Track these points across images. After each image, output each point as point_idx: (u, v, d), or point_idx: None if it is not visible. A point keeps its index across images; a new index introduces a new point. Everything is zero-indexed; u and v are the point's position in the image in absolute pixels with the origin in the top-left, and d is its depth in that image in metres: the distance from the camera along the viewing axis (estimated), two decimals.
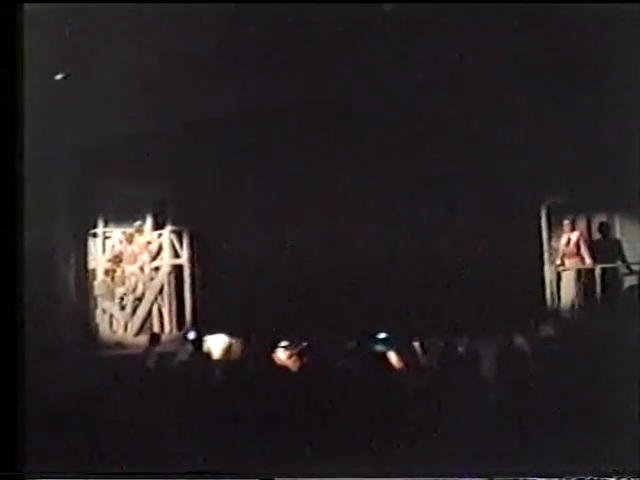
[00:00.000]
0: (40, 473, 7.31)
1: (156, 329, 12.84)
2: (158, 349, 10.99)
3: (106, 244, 13.45)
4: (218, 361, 9.89)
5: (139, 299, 13.10)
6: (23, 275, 7.50)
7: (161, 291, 13.05)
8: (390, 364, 8.75)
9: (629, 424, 7.14)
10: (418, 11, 10.54)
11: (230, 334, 10.18)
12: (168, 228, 13.15)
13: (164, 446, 7.54)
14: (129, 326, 13.05)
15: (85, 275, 13.24)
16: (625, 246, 11.37)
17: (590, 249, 11.48)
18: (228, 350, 10.01)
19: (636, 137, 9.87)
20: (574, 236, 11.50)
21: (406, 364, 8.78)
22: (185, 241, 13.04)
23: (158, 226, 13.24)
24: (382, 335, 9.37)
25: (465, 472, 6.95)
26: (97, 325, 13.16)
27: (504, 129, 10.78)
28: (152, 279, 13.13)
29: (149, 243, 13.27)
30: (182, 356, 10.14)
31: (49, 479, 7.39)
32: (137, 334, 12.85)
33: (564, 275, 11.42)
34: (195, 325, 12.22)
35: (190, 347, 10.29)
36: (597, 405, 7.23)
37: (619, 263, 11.27)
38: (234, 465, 7.21)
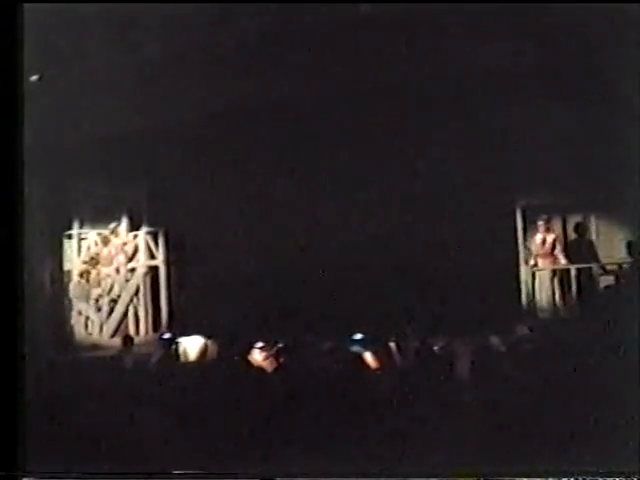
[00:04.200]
0: (40, 473, 7.29)
1: (132, 331, 12.79)
2: (134, 351, 10.97)
3: (81, 246, 13.39)
4: (194, 362, 9.88)
5: (115, 301, 13.04)
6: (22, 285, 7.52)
7: (137, 292, 13.00)
8: (366, 365, 8.76)
9: (605, 422, 7.17)
10: (395, 12, 10.57)
11: (206, 335, 10.15)
12: (144, 229, 13.11)
13: (148, 447, 7.53)
14: (105, 328, 12.98)
15: (60, 277, 13.16)
16: (600, 246, 11.41)
17: (565, 250, 11.52)
18: (204, 351, 9.99)
19: (612, 138, 9.92)
20: (549, 237, 11.53)
21: (382, 365, 8.79)
22: (161, 242, 12.99)
23: (134, 227, 13.20)
24: (358, 336, 9.38)
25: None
26: (72, 327, 13.08)
27: (479, 129, 10.82)
28: (128, 280, 13.07)
29: (125, 244, 13.22)
30: (158, 358, 10.11)
31: (49, 479, 7.37)
32: (113, 336, 12.78)
33: (539, 275, 11.46)
34: (171, 326, 12.20)
35: (166, 349, 10.27)
36: (571, 404, 7.25)
37: (594, 263, 11.30)
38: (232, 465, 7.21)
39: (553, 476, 6.86)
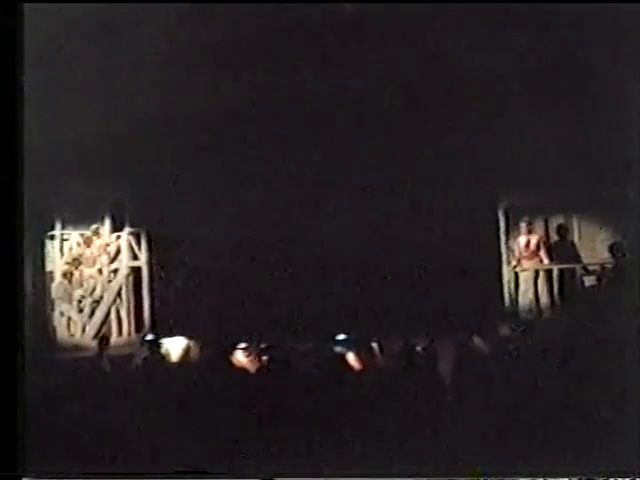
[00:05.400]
0: (40, 473, 7.26)
1: (114, 332, 12.77)
2: (117, 352, 10.93)
3: (64, 246, 13.35)
4: (177, 363, 9.85)
5: (97, 301, 12.99)
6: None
7: (119, 293, 12.96)
8: (349, 365, 8.76)
9: (586, 421, 7.18)
10: (380, 12, 10.59)
11: (189, 336, 10.13)
12: (126, 230, 13.08)
13: (135, 448, 7.51)
14: (87, 329, 12.94)
15: (43, 277, 13.11)
16: (583, 247, 11.47)
17: (548, 251, 11.56)
18: (187, 352, 9.96)
19: (595, 139, 9.98)
20: (532, 238, 11.57)
21: (365, 365, 8.80)
22: (143, 243, 12.97)
23: (116, 228, 13.16)
24: (341, 336, 9.38)
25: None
26: (55, 328, 13.03)
27: (462, 131, 10.84)
28: (110, 281, 13.04)
29: (107, 245, 13.19)
30: (140, 359, 10.08)
31: (49, 479, 7.34)
32: (95, 337, 12.72)
33: (522, 276, 11.50)
34: (153, 327, 12.18)
35: (148, 350, 10.24)
36: (552, 404, 7.27)
37: (576, 264, 11.35)
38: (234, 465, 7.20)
39: (553, 476, 6.86)
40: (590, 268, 11.34)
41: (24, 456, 7.29)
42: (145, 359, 10.04)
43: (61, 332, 13.04)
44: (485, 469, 6.97)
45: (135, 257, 13.04)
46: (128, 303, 12.91)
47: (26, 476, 7.33)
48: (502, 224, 11.50)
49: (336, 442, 7.39)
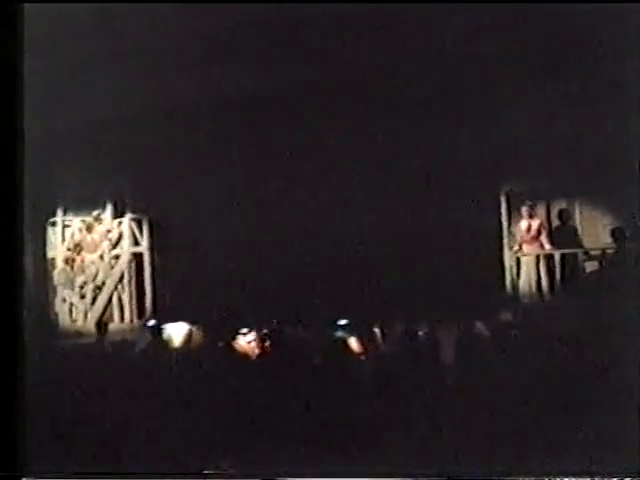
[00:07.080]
0: (40, 473, 7.27)
1: (116, 317, 12.79)
2: (119, 338, 10.95)
3: (65, 233, 13.36)
4: (179, 349, 9.87)
5: (99, 288, 13.00)
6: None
7: (121, 279, 12.97)
8: (351, 350, 8.78)
9: (585, 410, 7.18)
10: (378, 11, 10.61)
11: (191, 321, 10.14)
12: (128, 216, 13.08)
13: (135, 441, 7.52)
14: (89, 315, 12.95)
15: (44, 264, 13.12)
16: (584, 232, 11.48)
17: (550, 235, 11.57)
18: (188, 338, 9.98)
19: (595, 125, 9.97)
20: (534, 222, 11.57)
21: (366, 350, 8.82)
22: (145, 229, 12.97)
23: (118, 214, 13.17)
24: (343, 321, 9.40)
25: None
26: (57, 314, 13.04)
27: (464, 116, 10.84)
28: (112, 267, 13.04)
29: (109, 231, 13.19)
30: (143, 344, 10.10)
31: (49, 479, 7.36)
32: (97, 323, 12.74)
33: (523, 260, 11.50)
34: (155, 313, 12.19)
35: (151, 335, 10.26)
36: (551, 396, 7.27)
37: (578, 249, 11.35)
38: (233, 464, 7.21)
39: (553, 476, 6.86)
40: (592, 253, 11.33)
41: (24, 455, 7.30)
42: (147, 345, 10.06)
43: (63, 318, 13.05)
44: (483, 469, 6.96)
45: (137, 243, 13.05)
46: (130, 289, 12.91)
47: (26, 476, 7.34)
48: (504, 208, 11.49)
49: (337, 429, 7.40)
